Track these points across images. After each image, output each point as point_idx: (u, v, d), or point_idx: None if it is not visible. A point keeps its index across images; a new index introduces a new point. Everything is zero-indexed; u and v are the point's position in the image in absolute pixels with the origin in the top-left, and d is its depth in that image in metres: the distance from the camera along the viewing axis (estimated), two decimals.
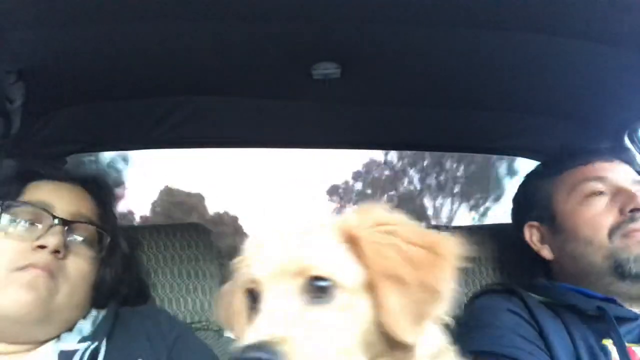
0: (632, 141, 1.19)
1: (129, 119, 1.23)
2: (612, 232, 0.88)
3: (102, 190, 0.92)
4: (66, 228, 0.80)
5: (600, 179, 0.93)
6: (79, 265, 0.81)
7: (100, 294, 0.86)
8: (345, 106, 1.23)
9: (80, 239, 0.82)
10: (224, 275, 1.32)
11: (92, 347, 0.76)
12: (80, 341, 0.78)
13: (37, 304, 0.74)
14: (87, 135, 1.26)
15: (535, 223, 1.00)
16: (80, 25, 0.89)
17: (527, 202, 1.03)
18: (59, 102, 1.14)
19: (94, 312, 0.86)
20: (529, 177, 1.07)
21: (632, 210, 0.88)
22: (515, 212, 1.08)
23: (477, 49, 0.98)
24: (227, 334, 1.18)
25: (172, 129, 1.27)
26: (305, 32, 0.93)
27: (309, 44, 0.97)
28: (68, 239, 0.80)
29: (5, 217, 0.78)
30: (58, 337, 0.80)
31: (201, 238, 1.15)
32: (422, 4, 0.85)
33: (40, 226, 0.79)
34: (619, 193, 0.91)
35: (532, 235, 1.00)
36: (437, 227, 1.21)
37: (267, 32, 0.93)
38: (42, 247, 0.76)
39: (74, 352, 0.75)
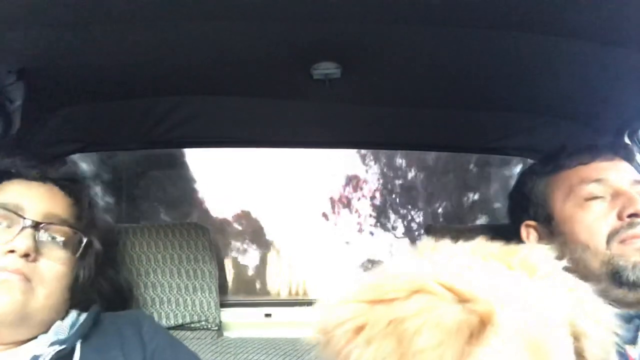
0: (632, 141, 1.18)
1: (128, 119, 1.23)
2: (610, 238, 0.85)
3: (77, 188, 0.90)
4: (38, 229, 0.79)
5: (599, 181, 0.90)
6: (53, 267, 0.80)
7: (76, 295, 0.84)
8: (345, 106, 1.23)
9: (53, 240, 0.81)
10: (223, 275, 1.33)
11: (59, 350, 0.75)
12: (52, 344, 0.77)
13: (12, 306, 0.73)
14: (87, 135, 1.26)
15: (532, 223, 0.98)
16: (80, 25, 0.89)
17: (524, 201, 1.00)
18: (59, 102, 1.14)
19: (73, 314, 0.85)
20: (525, 175, 1.04)
21: (630, 216, 0.85)
22: (512, 210, 1.06)
23: (477, 49, 0.98)
24: (227, 333, 1.18)
25: (172, 129, 1.27)
26: (305, 32, 0.93)
27: (309, 44, 0.97)
28: (41, 239, 0.79)
29: None
30: (35, 337, 0.79)
31: (200, 238, 1.15)
32: (423, 4, 0.85)
33: (11, 229, 0.78)
34: (618, 196, 0.88)
35: (529, 235, 0.98)
36: (435, 228, 1.21)
37: (267, 32, 0.93)
38: (12, 251, 0.75)
39: (40, 355, 0.74)
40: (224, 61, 1.04)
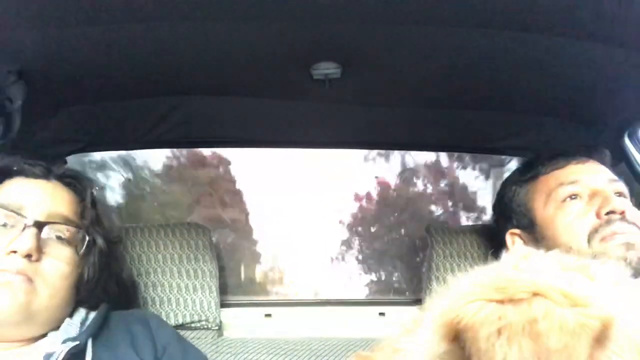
0: (632, 141, 1.19)
1: (129, 119, 1.23)
2: (590, 237, 0.87)
3: (81, 185, 0.89)
4: (41, 229, 0.78)
5: (574, 182, 0.93)
6: (57, 266, 0.79)
7: (83, 293, 0.84)
8: (345, 106, 1.23)
9: (56, 238, 0.80)
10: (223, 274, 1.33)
11: (71, 347, 0.75)
12: (63, 342, 0.77)
13: (15, 307, 0.73)
14: (87, 135, 1.26)
15: (516, 231, 1.00)
16: (80, 25, 0.89)
17: (506, 210, 1.03)
18: (59, 102, 1.14)
19: (82, 312, 0.84)
20: (506, 185, 1.06)
21: (608, 213, 0.87)
22: (497, 220, 1.08)
23: (477, 49, 0.98)
24: (227, 333, 1.19)
25: (172, 129, 1.27)
26: (305, 32, 0.93)
27: (309, 44, 0.97)
28: (44, 238, 0.78)
29: None
30: (45, 334, 0.79)
31: (201, 237, 1.15)
32: (423, 4, 0.85)
33: (13, 228, 0.77)
34: (594, 195, 0.90)
35: (514, 243, 0.99)
36: (435, 228, 1.21)
37: (267, 32, 0.93)
38: (14, 251, 0.74)
39: (53, 353, 0.74)
40: (224, 61, 1.04)
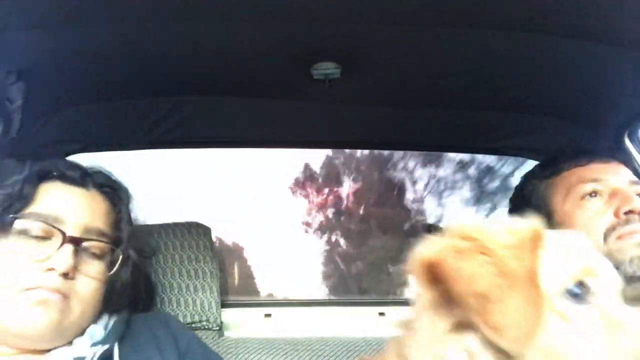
0: (632, 141, 1.19)
1: (129, 119, 1.23)
2: (607, 235, 0.87)
3: (119, 195, 0.87)
4: (78, 245, 0.76)
5: (596, 180, 0.93)
6: (90, 283, 0.78)
7: (110, 303, 0.83)
8: (345, 106, 1.23)
9: (91, 255, 0.79)
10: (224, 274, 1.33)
11: (103, 350, 0.76)
12: (92, 346, 0.77)
13: (50, 324, 0.72)
14: (87, 135, 1.26)
15: None
16: (80, 25, 0.89)
17: (524, 203, 1.02)
18: (59, 102, 1.14)
19: (105, 317, 0.84)
20: (526, 179, 1.06)
21: (627, 213, 0.87)
22: (513, 213, 1.08)
23: (477, 49, 0.98)
24: (227, 333, 1.18)
25: (172, 129, 1.27)
26: (305, 32, 0.93)
27: (309, 44, 0.97)
28: (79, 255, 0.77)
29: (14, 233, 0.74)
30: (70, 342, 0.78)
31: (201, 237, 1.15)
32: (423, 4, 0.85)
33: (50, 242, 0.75)
34: (614, 194, 0.90)
35: None
36: (436, 228, 1.21)
37: (267, 32, 0.93)
38: (51, 269, 0.73)
39: (84, 358, 0.74)
40: (224, 61, 1.04)
